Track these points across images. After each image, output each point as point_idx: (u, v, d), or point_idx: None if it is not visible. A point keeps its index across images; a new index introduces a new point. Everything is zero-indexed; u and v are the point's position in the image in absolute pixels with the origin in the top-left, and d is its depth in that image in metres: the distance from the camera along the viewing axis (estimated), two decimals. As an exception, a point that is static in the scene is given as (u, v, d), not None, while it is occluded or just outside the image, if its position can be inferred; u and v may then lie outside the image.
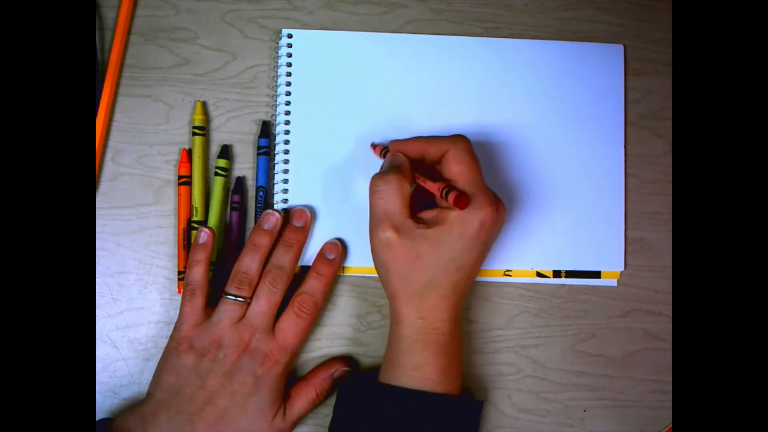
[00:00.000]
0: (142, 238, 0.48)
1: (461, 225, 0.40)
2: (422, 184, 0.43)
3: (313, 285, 0.46)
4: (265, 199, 0.48)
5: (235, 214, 0.48)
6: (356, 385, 0.44)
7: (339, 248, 0.47)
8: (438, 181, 0.42)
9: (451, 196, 0.40)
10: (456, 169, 0.42)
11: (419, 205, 0.43)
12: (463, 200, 0.40)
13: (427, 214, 0.42)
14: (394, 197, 0.41)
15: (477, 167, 0.42)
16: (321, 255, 0.47)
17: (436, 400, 0.41)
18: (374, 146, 0.48)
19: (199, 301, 0.45)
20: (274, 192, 0.48)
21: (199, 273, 0.45)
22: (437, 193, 0.42)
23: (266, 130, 0.49)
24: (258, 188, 0.48)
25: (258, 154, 0.49)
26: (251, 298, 0.45)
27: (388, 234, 0.41)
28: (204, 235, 0.46)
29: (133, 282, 0.48)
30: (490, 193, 0.42)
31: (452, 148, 0.42)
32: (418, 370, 0.41)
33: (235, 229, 0.48)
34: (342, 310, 0.49)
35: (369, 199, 0.43)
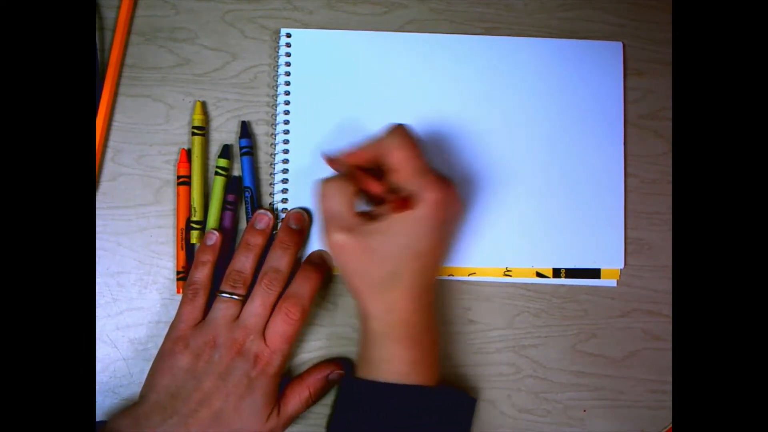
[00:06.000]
0: (142, 238, 0.48)
1: (411, 211, 0.40)
2: (369, 187, 0.43)
3: (301, 288, 0.45)
4: (252, 199, 0.48)
5: (228, 213, 0.48)
6: (349, 384, 0.44)
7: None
8: (380, 182, 0.42)
9: (393, 204, 0.41)
10: (396, 157, 0.41)
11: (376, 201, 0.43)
12: (405, 203, 0.40)
13: (380, 209, 0.42)
14: (338, 198, 0.42)
15: (417, 151, 0.42)
16: (309, 259, 0.48)
17: (404, 391, 0.41)
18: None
19: (200, 301, 0.45)
20: (274, 192, 0.48)
21: (204, 273, 0.45)
22: (382, 196, 0.42)
23: (246, 130, 0.49)
24: (245, 188, 0.48)
25: (241, 155, 0.48)
26: (246, 296, 0.45)
27: (337, 236, 0.41)
28: (213, 237, 0.46)
29: (133, 282, 0.48)
30: (436, 174, 0.41)
31: (390, 139, 0.42)
32: (387, 363, 0.41)
33: (228, 229, 0.48)
34: (342, 310, 0.49)
35: (317, 205, 0.43)
